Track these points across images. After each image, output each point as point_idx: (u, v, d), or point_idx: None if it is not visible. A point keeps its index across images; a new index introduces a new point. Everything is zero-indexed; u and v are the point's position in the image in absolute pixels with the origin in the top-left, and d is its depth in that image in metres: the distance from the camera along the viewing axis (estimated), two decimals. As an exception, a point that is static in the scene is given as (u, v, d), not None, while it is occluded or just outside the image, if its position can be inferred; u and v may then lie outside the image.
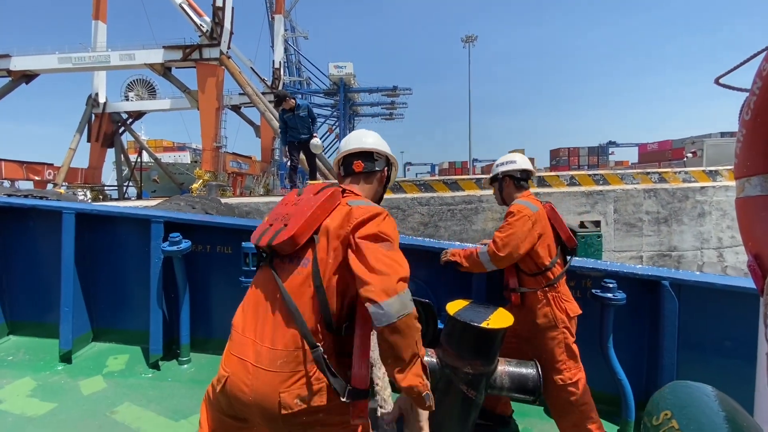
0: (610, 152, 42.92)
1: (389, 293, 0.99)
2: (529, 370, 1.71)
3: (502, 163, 2.26)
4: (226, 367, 1.12)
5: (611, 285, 2.12)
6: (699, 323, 2.22)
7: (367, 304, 1.00)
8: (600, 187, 6.62)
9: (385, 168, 1.46)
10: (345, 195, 1.25)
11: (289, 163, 7.55)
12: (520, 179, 2.22)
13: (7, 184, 17.72)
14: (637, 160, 33.13)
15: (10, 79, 16.32)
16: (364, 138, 1.46)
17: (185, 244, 2.55)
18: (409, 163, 66.50)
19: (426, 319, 1.59)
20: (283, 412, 1.04)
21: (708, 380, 0.81)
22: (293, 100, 6.84)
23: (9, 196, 3.00)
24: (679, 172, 6.89)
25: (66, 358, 2.61)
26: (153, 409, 2.17)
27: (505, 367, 1.72)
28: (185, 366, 2.64)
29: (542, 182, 6.76)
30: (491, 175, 2.34)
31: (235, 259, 2.65)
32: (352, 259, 1.07)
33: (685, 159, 17.98)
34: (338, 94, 44.92)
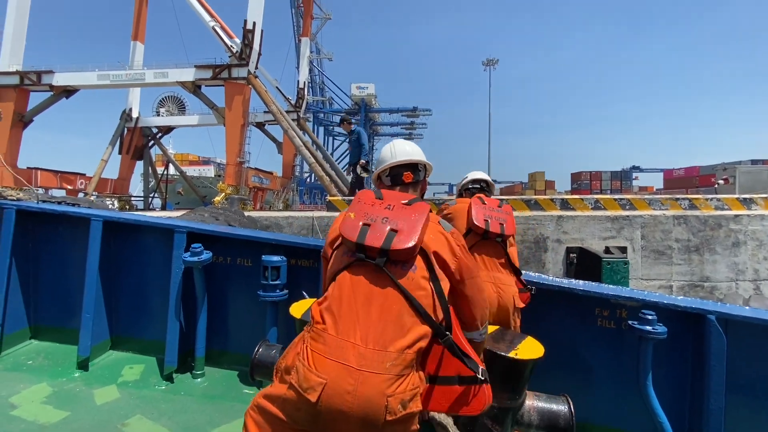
0: (633, 177, 41.85)
1: (485, 321, 1.40)
2: (560, 407, 1.59)
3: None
4: (322, 372, 1.04)
5: (650, 317, 1.96)
6: (750, 364, 2.02)
7: (472, 331, 1.37)
8: (626, 212, 6.39)
9: (425, 178, 1.60)
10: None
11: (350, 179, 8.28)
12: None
13: (41, 191, 18.56)
14: (663, 186, 32.15)
15: (51, 93, 17.33)
16: (409, 149, 1.55)
17: (206, 255, 2.56)
18: (428, 183, 66.64)
19: None
20: (389, 417, 1.02)
21: (760, 428, 0.72)
22: (350, 125, 7.64)
23: (43, 202, 3.10)
24: (711, 199, 6.61)
25: (83, 365, 2.62)
26: (164, 424, 2.13)
27: (533, 402, 1.61)
28: (199, 380, 2.61)
29: (565, 205, 6.58)
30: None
31: (255, 271, 2.63)
32: (467, 288, 1.31)
33: (716, 186, 17.31)
34: (359, 114, 45.82)
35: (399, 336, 1.09)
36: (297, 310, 1.98)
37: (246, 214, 6.54)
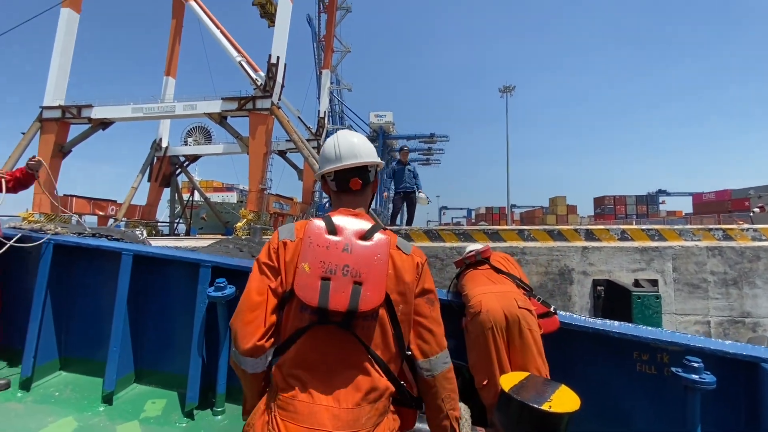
0: (660, 201, 40.61)
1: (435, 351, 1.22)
2: None
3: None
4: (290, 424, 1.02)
5: (696, 365, 1.80)
6: None
7: (422, 359, 1.20)
8: (655, 243, 6.15)
9: (376, 175, 1.41)
10: (362, 218, 1.25)
11: (392, 209, 8.58)
12: None
13: (75, 217, 19.45)
14: (692, 210, 30.99)
15: (89, 125, 18.44)
16: (358, 147, 1.33)
17: (230, 290, 2.59)
18: (445, 207, 66.56)
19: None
20: None
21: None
22: (407, 155, 8.32)
23: (78, 234, 3.22)
24: (747, 230, 6.31)
25: (108, 399, 2.64)
26: (185, 465, 2.10)
27: None
28: (219, 417, 2.58)
29: (590, 236, 6.41)
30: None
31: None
32: (420, 315, 1.20)
33: (751, 213, 16.54)
34: (377, 141, 46.73)
35: (370, 388, 1.07)
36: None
37: (262, 241, 6.65)
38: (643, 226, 6.74)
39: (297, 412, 1.04)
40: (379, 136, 46.53)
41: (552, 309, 2.18)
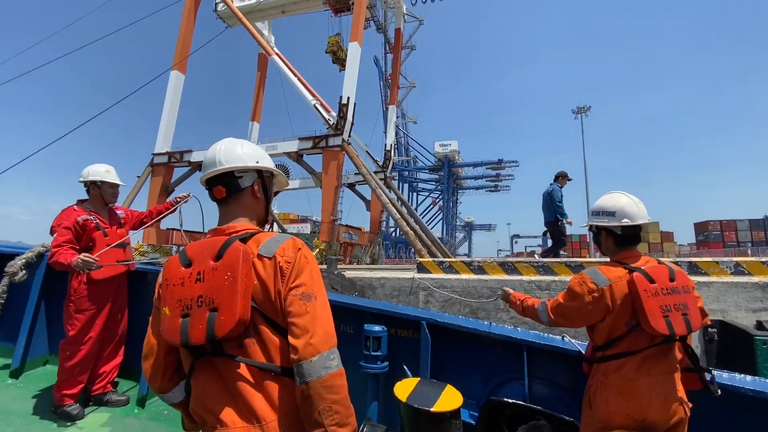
0: (782, 227, 34.38)
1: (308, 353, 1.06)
2: None
3: (597, 213, 1.93)
4: None
5: None
6: None
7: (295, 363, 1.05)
8: (783, 278, 5.20)
9: (258, 180, 1.30)
10: (231, 233, 1.19)
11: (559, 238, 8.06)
12: (621, 236, 1.87)
13: (175, 248, 22.17)
14: (828, 237, 25.72)
15: (189, 167, 21.19)
16: (221, 153, 1.25)
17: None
18: (517, 236, 63.22)
19: None
20: None
21: None
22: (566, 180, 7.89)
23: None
24: None
25: (142, 402, 3.01)
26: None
27: None
28: None
29: (694, 269, 5.63)
30: (587, 223, 2.02)
31: (356, 339, 2.70)
32: (293, 315, 1.09)
33: None
34: (443, 170, 46.79)
35: (269, 402, 1.07)
36: (402, 391, 1.95)
37: (340, 272, 6.90)
38: (764, 258, 5.75)
39: None
40: (445, 165, 46.58)
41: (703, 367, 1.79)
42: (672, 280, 1.74)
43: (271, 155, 1.44)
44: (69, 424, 2.74)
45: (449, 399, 1.70)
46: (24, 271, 2.99)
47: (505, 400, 2.11)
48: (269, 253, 1.12)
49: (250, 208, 1.29)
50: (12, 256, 3.25)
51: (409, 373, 2.39)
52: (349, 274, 7.30)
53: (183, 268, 1.13)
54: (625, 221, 1.83)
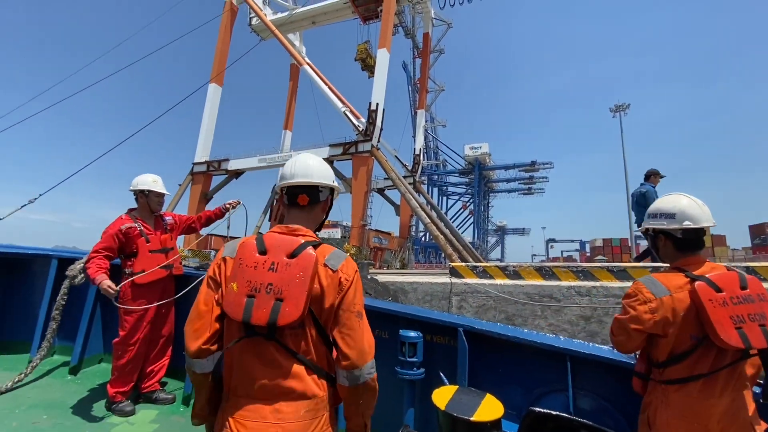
0: None
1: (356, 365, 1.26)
2: None
3: (655, 215, 1.79)
4: (243, 430, 1.18)
5: None
6: None
7: (343, 369, 1.26)
8: None
9: (330, 197, 1.54)
10: (300, 237, 1.34)
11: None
12: (682, 240, 1.70)
13: (213, 253, 23.12)
14: None
15: (226, 175, 22.07)
16: (313, 168, 1.47)
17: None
18: (552, 240, 61.05)
19: None
20: None
21: None
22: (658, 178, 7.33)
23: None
24: None
25: (187, 401, 3.11)
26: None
27: None
28: None
29: (752, 275, 5.19)
30: (642, 227, 1.87)
31: (392, 344, 2.69)
32: (346, 327, 1.28)
33: None
34: (473, 173, 46.05)
35: (303, 391, 1.22)
36: (440, 398, 1.92)
37: (373, 276, 6.92)
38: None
39: (246, 410, 1.20)
40: (475, 169, 45.83)
41: None
42: (744, 288, 1.57)
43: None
44: (121, 419, 2.91)
45: (490, 408, 1.66)
46: (82, 275, 3.21)
47: (549, 412, 2.02)
48: (334, 266, 1.29)
49: (315, 217, 1.50)
50: (71, 261, 3.50)
51: (446, 380, 2.35)
52: (380, 278, 7.31)
53: (258, 254, 1.27)
54: (687, 224, 1.68)
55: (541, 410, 2.06)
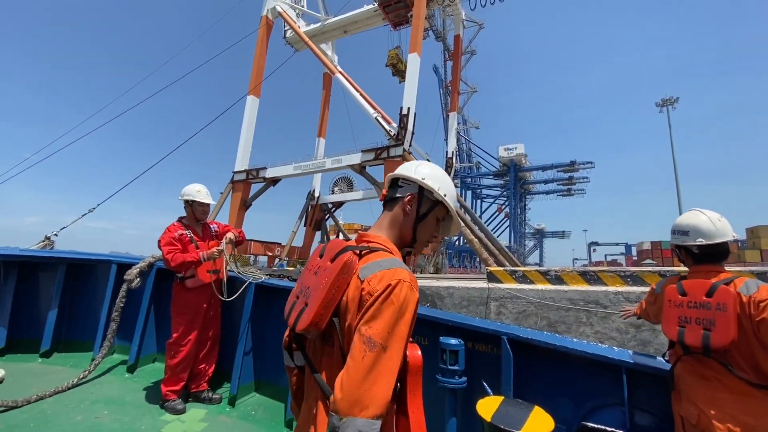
0: None
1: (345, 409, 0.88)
2: None
3: (674, 231, 1.99)
4: None
5: None
6: None
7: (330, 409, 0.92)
8: None
9: (414, 194, 1.21)
10: (362, 242, 1.19)
11: None
12: (698, 254, 1.89)
13: (252, 258, 24.03)
14: None
15: (264, 183, 22.88)
16: (404, 167, 1.29)
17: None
18: (595, 243, 58.07)
19: None
20: None
21: None
22: None
23: (269, 276, 3.92)
24: None
25: (289, 425, 3.02)
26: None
27: None
28: None
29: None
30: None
31: (432, 351, 2.64)
32: (350, 353, 0.97)
33: None
34: (508, 175, 44.88)
35: (312, 411, 1.07)
36: (486, 409, 1.86)
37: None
38: None
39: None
40: (510, 170, 44.66)
41: None
42: (709, 296, 1.75)
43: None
44: (173, 417, 3.06)
45: (539, 422, 1.59)
46: (138, 279, 3.43)
47: (605, 428, 1.91)
48: (364, 275, 1.03)
49: (395, 221, 1.23)
50: (128, 266, 3.75)
51: (489, 390, 2.28)
52: (416, 283, 7.25)
53: (318, 258, 1.16)
54: (700, 241, 1.86)
55: (595, 426, 1.96)
